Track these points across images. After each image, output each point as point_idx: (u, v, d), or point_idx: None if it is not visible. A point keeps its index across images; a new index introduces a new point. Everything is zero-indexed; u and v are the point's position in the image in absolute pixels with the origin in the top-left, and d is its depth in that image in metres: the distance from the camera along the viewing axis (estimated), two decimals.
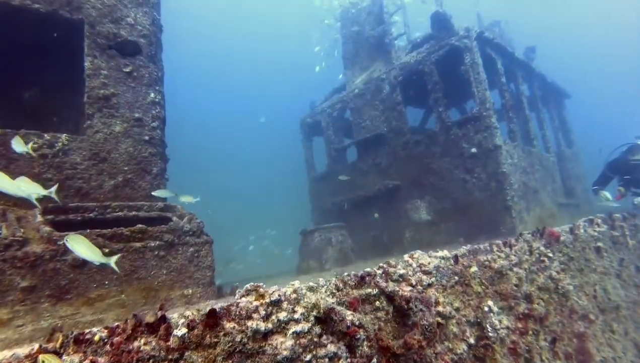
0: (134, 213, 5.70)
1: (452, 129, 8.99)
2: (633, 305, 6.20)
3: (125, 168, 6.04)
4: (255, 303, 2.21)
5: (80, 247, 3.79)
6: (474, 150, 8.60)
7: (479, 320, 3.25)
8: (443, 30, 9.21)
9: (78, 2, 6.11)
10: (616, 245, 6.56)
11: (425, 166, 9.44)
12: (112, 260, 4.02)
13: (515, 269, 3.92)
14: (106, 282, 4.79)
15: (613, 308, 5.64)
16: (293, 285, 2.41)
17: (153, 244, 5.19)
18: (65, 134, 5.68)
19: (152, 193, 5.87)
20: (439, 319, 2.86)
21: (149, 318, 2.12)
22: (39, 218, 4.86)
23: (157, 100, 6.53)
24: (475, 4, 12.55)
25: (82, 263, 4.70)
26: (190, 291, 5.37)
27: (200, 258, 5.54)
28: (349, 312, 2.30)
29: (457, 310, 3.16)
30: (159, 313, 2.08)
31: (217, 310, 2.11)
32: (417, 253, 3.21)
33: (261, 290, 2.30)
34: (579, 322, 4.69)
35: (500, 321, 3.42)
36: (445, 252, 3.33)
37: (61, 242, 4.55)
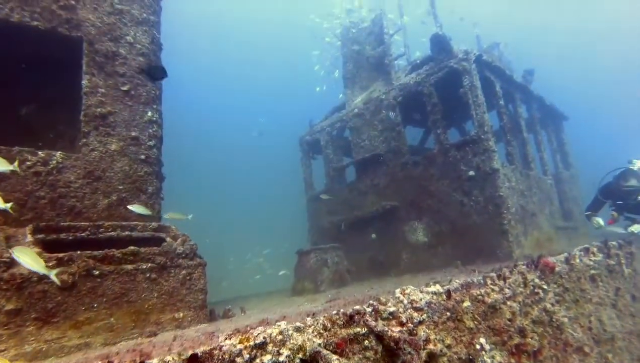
0: (127, 233, 5.63)
1: (450, 151, 8.96)
2: (629, 336, 6.09)
3: (120, 187, 5.99)
4: (239, 346, 2.14)
5: (26, 258, 3.86)
6: (471, 173, 8.56)
7: (471, 357, 3.18)
8: (442, 52, 9.23)
9: (77, 20, 6.12)
10: (612, 274, 6.47)
11: (423, 188, 9.39)
12: (53, 273, 4.03)
13: (509, 303, 3.84)
14: (95, 305, 4.70)
15: (608, 340, 5.54)
16: (279, 325, 2.33)
17: (145, 266, 5.11)
18: (60, 152, 5.64)
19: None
20: (429, 359, 2.78)
21: None
22: (29, 237, 4.79)
23: (154, 118, 6.51)
24: (474, 25, 12.62)
25: (71, 286, 4.62)
26: (181, 315, 5.28)
27: (193, 281, 5.46)
28: (334, 357, 2.22)
29: (449, 347, 3.08)
30: (137, 360, 2.01)
31: (199, 354, 2.04)
32: (409, 289, 3.14)
33: (247, 332, 2.23)
34: (574, 355, 4.60)
35: (492, 357, 3.34)
36: (437, 287, 3.26)
37: (51, 264, 4.48)
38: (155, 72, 6.36)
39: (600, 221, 9.55)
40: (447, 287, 3.29)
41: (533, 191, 9.66)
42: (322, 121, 12.13)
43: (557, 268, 4.89)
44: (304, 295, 8.21)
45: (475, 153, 8.57)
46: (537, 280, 4.44)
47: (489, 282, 3.73)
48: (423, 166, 9.44)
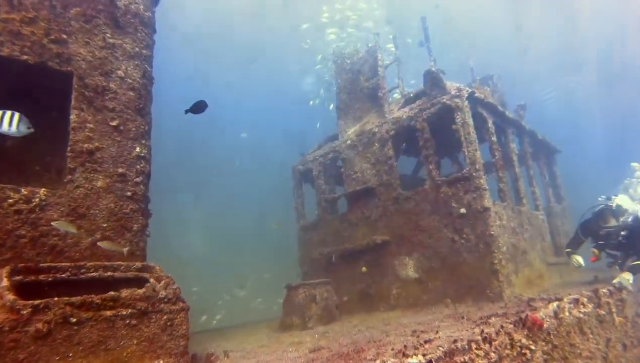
0: (109, 273, 5.44)
1: (442, 188, 8.85)
2: None
3: (105, 225, 5.81)
4: None
5: None
6: (462, 210, 8.44)
7: None
8: (435, 88, 9.19)
9: (68, 55, 6.01)
10: (602, 324, 6.31)
11: (414, 223, 9.25)
12: None
13: None
14: (70, 354, 4.47)
15: None
16: None
17: (125, 312, 4.89)
18: (44, 189, 5.47)
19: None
20: None
21: None
22: (4, 282, 4.59)
23: (142, 154, 6.36)
24: (468, 57, 12.64)
25: (46, 334, 4.41)
26: (161, 362, 5.06)
27: (174, 327, 5.24)
28: None
29: None
30: None
31: None
32: (390, 362, 2.97)
33: None
34: None
35: None
36: (420, 358, 3.08)
37: (25, 312, 4.28)
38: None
39: (580, 260, 9.34)
40: (430, 357, 3.12)
41: (524, 227, 9.54)
42: (314, 150, 12.02)
43: (545, 325, 4.72)
44: (292, 331, 8.01)
45: (466, 190, 8.46)
46: (524, 340, 4.27)
47: (474, 346, 3.56)
48: (414, 201, 9.32)
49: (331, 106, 12.62)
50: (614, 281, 7.81)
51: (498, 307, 6.72)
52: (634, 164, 10.56)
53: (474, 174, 8.36)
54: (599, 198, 9.40)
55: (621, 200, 8.99)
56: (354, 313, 10.05)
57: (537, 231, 10.19)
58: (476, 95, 8.94)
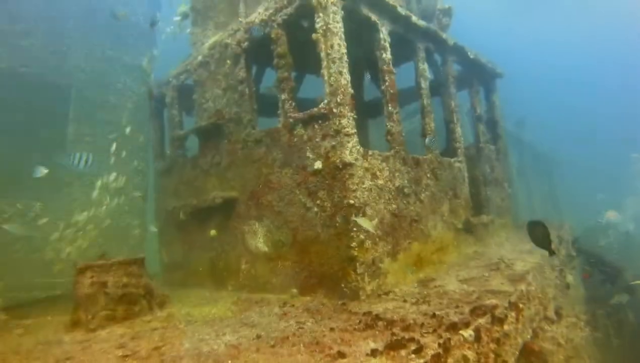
0: None
1: (296, 128, 5.96)
2: None
3: None
4: None
5: None
6: (318, 164, 5.63)
7: None
8: None
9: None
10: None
11: (265, 177, 6.46)
12: None
13: None
14: None
15: None
16: None
17: None
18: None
19: None
20: None
21: None
22: None
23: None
24: None
25: None
26: None
27: None
28: None
29: None
30: None
31: None
32: None
33: None
34: None
35: None
36: None
37: None
38: None
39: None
40: None
41: (423, 184, 6.83)
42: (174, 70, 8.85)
43: None
44: (72, 333, 5.52)
45: (324, 134, 5.59)
46: None
47: None
48: (265, 146, 6.46)
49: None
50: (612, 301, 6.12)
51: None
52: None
53: (335, 111, 5.44)
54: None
55: (611, 215, 8.55)
56: (193, 288, 7.63)
57: (446, 185, 7.50)
58: None
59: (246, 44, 6.78)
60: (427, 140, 7.16)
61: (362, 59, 7.70)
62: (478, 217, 8.38)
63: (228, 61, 7.09)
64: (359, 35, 6.49)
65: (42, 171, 7.81)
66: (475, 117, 9.30)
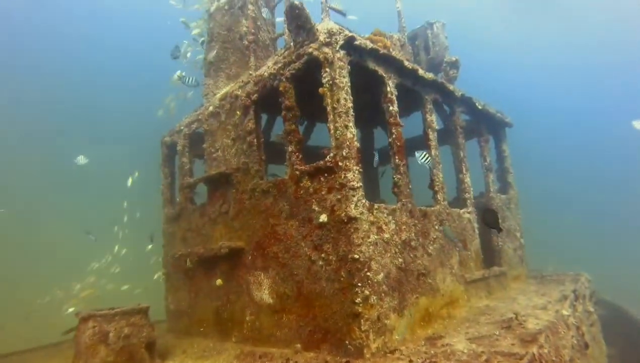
0: None
1: (302, 181, 5.92)
2: None
3: None
4: None
5: None
6: (323, 217, 5.55)
7: None
8: (301, 32, 6.09)
9: None
10: None
11: (271, 227, 6.39)
12: None
13: None
14: None
15: None
16: None
17: None
18: None
19: None
20: None
21: None
22: None
23: None
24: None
25: None
26: None
27: None
28: None
29: None
30: None
31: None
32: None
33: None
34: None
35: None
36: None
37: None
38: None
39: None
40: None
41: (431, 237, 6.68)
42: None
43: None
44: None
45: (330, 187, 5.54)
46: None
47: None
48: (272, 197, 6.41)
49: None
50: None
51: None
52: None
53: (340, 164, 5.41)
54: None
55: None
56: (208, 337, 7.48)
57: (456, 237, 7.33)
58: (358, 42, 5.85)
59: (255, 96, 6.87)
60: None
61: (373, 108, 7.73)
62: (489, 269, 8.14)
63: (238, 112, 7.18)
64: (370, 85, 6.55)
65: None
66: (484, 166, 9.19)
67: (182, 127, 8.68)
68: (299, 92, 6.24)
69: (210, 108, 7.86)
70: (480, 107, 8.72)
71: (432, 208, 6.96)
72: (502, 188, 9.88)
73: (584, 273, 9.65)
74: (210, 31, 8.66)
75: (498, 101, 9.95)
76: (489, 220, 6.43)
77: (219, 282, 7.30)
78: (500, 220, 6.85)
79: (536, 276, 10.09)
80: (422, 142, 7.83)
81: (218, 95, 7.89)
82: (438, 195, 7.20)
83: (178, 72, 8.97)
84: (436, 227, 6.85)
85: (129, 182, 15.84)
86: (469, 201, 8.07)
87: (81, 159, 11.44)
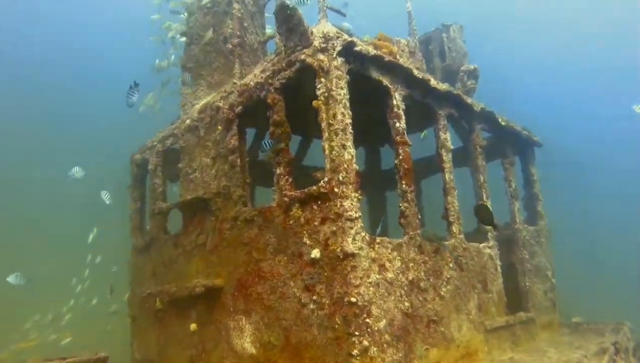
0: None
1: (292, 208, 5.91)
2: None
3: None
4: None
5: None
6: (315, 253, 5.52)
7: None
8: (293, 36, 6.16)
9: None
10: None
11: (255, 264, 6.35)
12: None
13: None
14: None
15: None
16: None
17: None
18: None
19: None
20: None
21: None
22: None
23: None
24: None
25: None
26: None
27: None
28: None
29: None
30: None
31: None
32: None
33: None
34: None
35: None
36: None
37: None
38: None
39: None
40: None
41: (444, 276, 6.63)
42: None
43: None
44: None
45: (324, 218, 5.52)
46: None
47: None
48: (257, 227, 6.39)
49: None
50: None
51: None
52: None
53: (336, 190, 5.40)
54: None
55: None
56: None
57: (474, 277, 7.28)
58: (358, 49, 5.91)
59: (239, 108, 6.91)
60: None
61: (379, 123, 7.78)
62: (514, 315, 8.06)
63: (219, 127, 7.22)
64: (375, 97, 6.59)
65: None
66: (509, 192, 9.18)
67: (155, 143, 8.71)
68: (292, 102, 6.27)
69: (188, 121, 7.91)
70: (503, 123, 8.75)
71: (446, 242, 6.93)
72: (530, 218, 9.84)
73: (627, 323, 9.54)
74: (190, 32, 8.78)
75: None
76: (482, 215, 6.44)
77: (193, 326, 7.24)
78: (495, 219, 6.82)
79: (569, 324, 9.98)
80: (435, 163, 7.87)
81: (197, 107, 7.95)
82: (453, 227, 7.17)
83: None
84: (450, 265, 6.80)
85: (90, 238, 15.74)
86: (490, 234, 8.03)
87: (77, 172, 11.24)
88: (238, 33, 7.63)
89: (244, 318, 6.46)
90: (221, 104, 7.25)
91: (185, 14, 8.91)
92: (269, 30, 8.81)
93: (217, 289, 6.79)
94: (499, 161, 9.48)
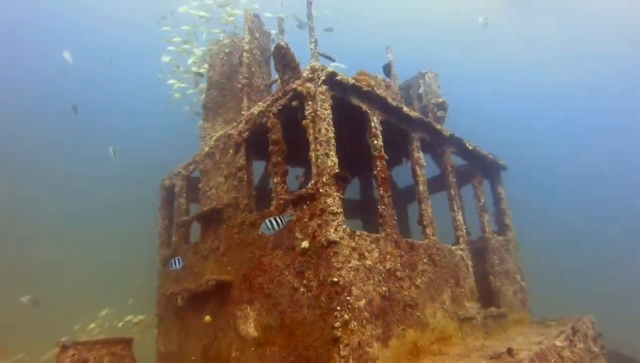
0: None
1: (287, 209, 6.08)
2: None
3: None
4: None
5: None
6: (305, 243, 5.63)
7: None
8: (288, 70, 6.51)
9: None
10: None
11: (257, 259, 6.46)
12: None
13: None
14: None
15: None
16: None
17: None
18: None
19: None
20: None
21: None
22: None
23: None
24: (387, 49, 9.93)
25: None
26: None
27: None
28: None
29: None
30: None
31: None
32: None
33: None
34: None
35: None
36: None
37: None
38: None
39: None
40: None
41: (419, 269, 6.64)
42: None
43: None
44: None
45: (312, 214, 5.67)
46: None
47: None
48: (259, 228, 6.54)
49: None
50: None
51: None
52: None
53: (321, 190, 5.58)
54: None
55: None
56: None
57: (447, 272, 7.27)
58: (339, 78, 6.21)
59: (246, 133, 7.20)
60: None
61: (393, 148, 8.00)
62: (486, 309, 7.96)
63: (230, 151, 7.50)
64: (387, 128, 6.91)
65: None
66: (478, 207, 9.23)
67: (180, 170, 9.01)
68: (294, 139, 6.47)
69: (206, 149, 8.21)
70: (470, 148, 8.92)
71: (421, 242, 6.98)
72: (500, 231, 9.82)
73: (589, 315, 9.31)
74: (210, 79, 9.22)
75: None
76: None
77: (207, 318, 7.27)
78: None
79: (540, 321, 9.75)
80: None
81: (214, 137, 8.26)
82: (427, 230, 7.24)
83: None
84: (425, 261, 6.82)
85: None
86: (461, 239, 8.05)
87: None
88: (246, 75, 8.03)
89: (248, 307, 6.50)
90: (232, 132, 7.56)
91: (204, 75, 9.40)
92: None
93: (226, 284, 6.87)
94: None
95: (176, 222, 8.72)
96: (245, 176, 7.11)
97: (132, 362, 6.10)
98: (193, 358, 7.47)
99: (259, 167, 9.45)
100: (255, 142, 7.36)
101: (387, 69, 9.63)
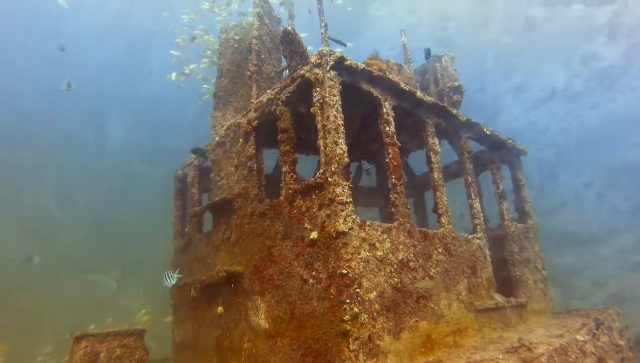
0: None
1: (296, 199, 5.93)
2: None
3: None
4: None
5: None
6: (314, 234, 5.49)
7: None
8: (295, 56, 6.31)
9: None
10: None
11: (267, 250, 6.35)
12: None
13: None
14: None
15: None
16: None
17: None
18: None
19: None
20: None
21: None
22: None
23: None
24: (402, 32, 9.63)
25: None
26: None
27: None
28: None
29: None
30: None
31: None
32: None
33: None
34: None
35: None
36: None
37: None
38: None
39: None
40: None
41: (434, 259, 6.44)
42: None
43: None
44: None
45: (321, 204, 5.51)
46: None
47: None
48: (269, 219, 6.42)
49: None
50: None
51: None
52: None
53: (330, 180, 5.41)
54: None
55: None
56: None
57: (463, 262, 7.04)
58: (348, 63, 5.98)
59: (256, 122, 7.05)
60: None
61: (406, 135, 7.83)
62: (506, 299, 7.71)
63: (240, 140, 7.37)
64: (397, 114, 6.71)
65: None
66: (497, 194, 8.93)
67: (192, 160, 8.93)
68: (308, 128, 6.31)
69: (217, 138, 8.11)
70: (488, 133, 8.59)
71: (435, 230, 6.76)
72: (520, 218, 9.51)
73: (614, 307, 8.97)
74: (220, 67, 9.08)
75: None
76: None
77: (220, 309, 7.23)
78: None
79: (562, 312, 9.46)
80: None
81: (224, 126, 8.14)
82: (442, 219, 7.01)
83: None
84: (439, 250, 6.61)
85: None
86: (479, 227, 7.79)
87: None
88: (255, 62, 7.85)
89: (259, 298, 6.41)
90: (241, 121, 7.42)
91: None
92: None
93: (237, 274, 6.79)
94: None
95: (189, 212, 8.67)
96: (255, 165, 6.98)
97: (144, 354, 6.09)
98: (207, 348, 7.46)
99: (272, 156, 9.31)
100: (266, 131, 7.21)
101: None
